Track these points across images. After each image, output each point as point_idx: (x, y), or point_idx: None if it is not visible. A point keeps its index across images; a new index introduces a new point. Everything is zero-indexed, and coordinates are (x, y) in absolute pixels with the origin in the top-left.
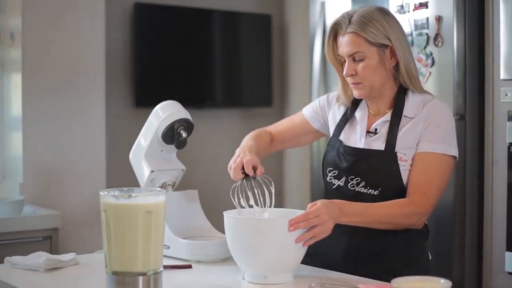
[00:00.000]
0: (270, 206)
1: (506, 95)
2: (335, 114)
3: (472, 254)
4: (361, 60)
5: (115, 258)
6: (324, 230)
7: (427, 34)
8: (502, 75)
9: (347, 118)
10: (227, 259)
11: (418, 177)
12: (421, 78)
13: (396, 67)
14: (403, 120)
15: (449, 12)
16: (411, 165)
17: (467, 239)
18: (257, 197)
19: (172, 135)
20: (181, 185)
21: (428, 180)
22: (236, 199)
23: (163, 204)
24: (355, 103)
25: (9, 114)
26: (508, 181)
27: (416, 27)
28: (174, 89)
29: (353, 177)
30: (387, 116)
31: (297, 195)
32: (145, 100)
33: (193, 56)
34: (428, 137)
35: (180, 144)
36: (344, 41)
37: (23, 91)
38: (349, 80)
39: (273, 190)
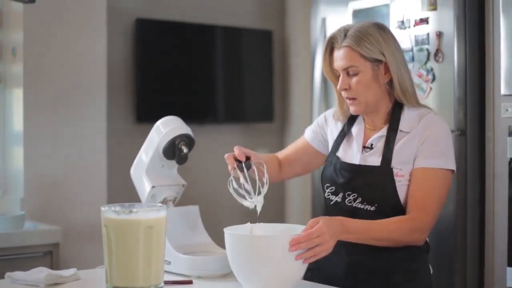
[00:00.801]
0: (262, 187)
1: (507, 110)
2: (333, 130)
3: (474, 269)
4: (355, 74)
5: (116, 274)
6: (325, 249)
7: (427, 49)
8: (503, 90)
9: (344, 133)
10: (228, 275)
11: (417, 193)
12: (421, 94)
13: (390, 82)
14: (399, 134)
15: (450, 28)
16: (409, 180)
17: (469, 254)
18: (249, 182)
19: (173, 150)
20: (182, 201)
21: (427, 195)
22: (232, 189)
23: (164, 219)
24: (352, 119)
25: (11, 129)
26: (509, 196)
27: (417, 42)
28: (175, 105)
29: (350, 193)
30: (383, 131)
31: (298, 210)
32: (146, 115)
33: (195, 72)
34: (425, 152)
35: (181, 159)
36: (339, 55)
37: (25, 106)
38: (343, 94)
39: (266, 175)
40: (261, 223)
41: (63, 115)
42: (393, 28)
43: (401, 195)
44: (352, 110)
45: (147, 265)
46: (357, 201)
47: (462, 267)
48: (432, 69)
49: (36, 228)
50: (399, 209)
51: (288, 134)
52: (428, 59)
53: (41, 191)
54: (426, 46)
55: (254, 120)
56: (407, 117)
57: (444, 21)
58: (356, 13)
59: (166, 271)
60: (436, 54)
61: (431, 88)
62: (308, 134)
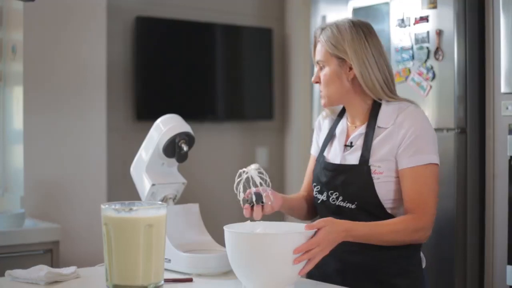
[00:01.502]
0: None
1: (507, 108)
2: (324, 131)
3: (474, 268)
4: (322, 68)
5: (116, 272)
6: (323, 255)
7: (427, 48)
8: (503, 88)
9: (330, 133)
10: (228, 273)
11: (412, 193)
12: (421, 92)
13: (355, 80)
14: (376, 131)
15: (450, 26)
16: (396, 178)
17: (469, 252)
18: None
19: (173, 148)
20: (182, 199)
21: (422, 194)
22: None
23: (164, 217)
24: (338, 117)
25: (11, 127)
26: (509, 194)
27: (417, 41)
28: (175, 103)
29: (332, 191)
30: (363, 129)
31: None
32: (146, 113)
33: (194, 70)
34: (409, 151)
35: (181, 157)
36: (316, 49)
37: (25, 105)
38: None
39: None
40: (261, 221)
41: (63, 113)
42: (393, 26)
43: (380, 192)
44: (321, 102)
45: (147, 263)
46: (339, 199)
47: (462, 265)
48: (432, 67)
49: (36, 226)
50: (379, 207)
51: (288, 132)
52: (428, 57)
53: (41, 189)
54: (426, 44)
55: (254, 118)
56: (385, 112)
57: (444, 19)
58: (356, 11)
59: (166, 269)
60: (436, 52)
61: (431, 87)
62: (313, 149)
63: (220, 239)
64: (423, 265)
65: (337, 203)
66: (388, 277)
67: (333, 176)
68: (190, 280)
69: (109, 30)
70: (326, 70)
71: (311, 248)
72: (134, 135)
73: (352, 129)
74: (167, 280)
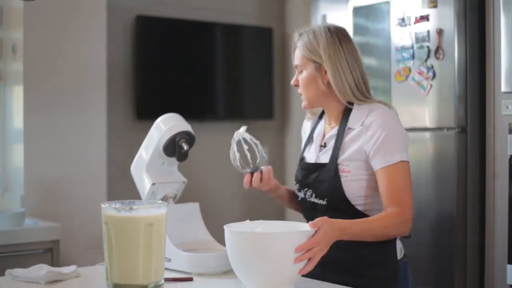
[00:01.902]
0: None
1: (507, 107)
2: (307, 133)
3: (474, 266)
4: (301, 72)
5: (116, 271)
6: (323, 254)
7: (428, 47)
8: (503, 87)
9: (311, 135)
10: (228, 272)
11: (391, 190)
12: (422, 91)
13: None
14: (346, 131)
15: (450, 25)
16: (362, 177)
17: (469, 251)
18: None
19: (173, 147)
20: (182, 198)
21: (399, 190)
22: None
23: (164, 216)
24: (319, 119)
25: (11, 126)
26: (510, 193)
27: (417, 40)
28: (176, 102)
29: (306, 189)
30: (335, 130)
31: None
32: (147, 112)
33: (195, 69)
34: (380, 152)
35: (182, 156)
36: (295, 54)
37: (25, 104)
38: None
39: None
40: (261, 220)
41: (63, 113)
42: (393, 25)
43: (347, 190)
44: (302, 104)
45: (147, 262)
46: (313, 196)
47: (462, 264)
48: (432, 67)
49: (36, 225)
50: (347, 203)
51: (288, 131)
52: (428, 56)
53: (41, 188)
54: (426, 44)
55: (254, 117)
56: (355, 114)
57: (444, 18)
58: (357, 10)
59: (166, 268)
60: (436, 52)
61: (431, 86)
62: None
63: (220, 238)
64: (400, 256)
65: (312, 200)
66: (367, 269)
67: (307, 174)
68: (190, 279)
69: (109, 29)
70: (304, 73)
71: (311, 247)
72: (134, 134)
73: (328, 130)
74: (167, 279)
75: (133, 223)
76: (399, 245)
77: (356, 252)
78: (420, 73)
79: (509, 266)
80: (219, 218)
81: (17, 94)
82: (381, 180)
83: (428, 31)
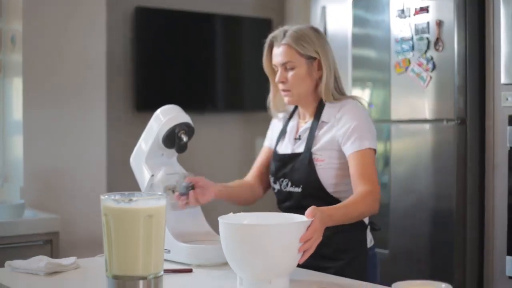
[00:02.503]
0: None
1: (507, 99)
2: (278, 128)
3: (473, 258)
4: (292, 69)
5: (115, 262)
6: (318, 242)
7: (427, 38)
8: (503, 79)
9: (283, 132)
10: (227, 263)
11: (361, 171)
12: (421, 83)
13: (320, 79)
14: (320, 124)
15: (450, 17)
16: (334, 165)
17: (468, 243)
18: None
19: (172, 139)
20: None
21: (368, 171)
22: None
23: (164, 208)
24: (291, 115)
25: (10, 118)
26: (509, 185)
27: (417, 31)
28: (175, 93)
29: (282, 179)
30: (309, 123)
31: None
32: (146, 104)
33: (194, 60)
34: (351, 139)
35: (181, 148)
36: (278, 51)
37: (24, 95)
38: (280, 86)
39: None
40: (255, 213)
41: (62, 105)
42: (393, 16)
43: (322, 177)
44: (286, 100)
45: (146, 254)
46: (289, 185)
47: (462, 256)
48: (432, 58)
49: (36, 217)
50: (321, 190)
51: None
52: (428, 48)
53: (41, 180)
54: (426, 35)
55: (253, 109)
56: (329, 109)
57: (444, 9)
58: (356, 2)
59: (165, 260)
60: (436, 43)
61: (431, 77)
62: (267, 142)
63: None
64: (370, 245)
65: (287, 189)
66: (343, 254)
67: (282, 165)
68: (189, 270)
69: (108, 20)
70: (298, 70)
71: (311, 236)
72: (133, 126)
73: (302, 124)
74: (166, 271)
75: (133, 214)
76: (369, 236)
77: (334, 239)
78: (420, 65)
79: (508, 258)
80: (218, 210)
81: (17, 86)
82: (352, 163)
83: (428, 23)
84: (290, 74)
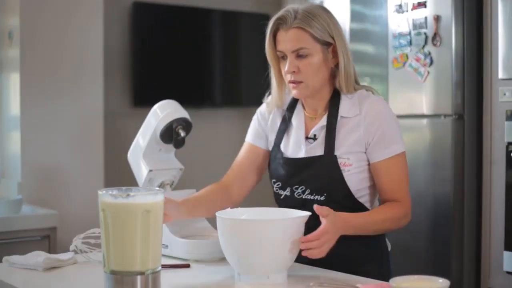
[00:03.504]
0: None
1: (505, 94)
2: (273, 124)
3: (471, 253)
4: (305, 56)
5: (113, 258)
6: (332, 243)
7: (425, 33)
8: (501, 74)
9: (285, 126)
10: (225, 258)
11: (391, 183)
12: (419, 78)
13: (335, 67)
14: (340, 121)
15: (448, 12)
16: (362, 169)
17: (466, 238)
18: None
19: (170, 134)
20: (179, 185)
21: (400, 183)
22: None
23: (162, 203)
24: (290, 108)
25: (8, 113)
26: (507, 180)
27: (415, 26)
28: (173, 88)
29: (297, 186)
30: (324, 120)
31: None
32: (144, 99)
33: (192, 55)
34: (380, 144)
35: (179, 143)
36: (288, 36)
37: (21, 91)
38: (289, 77)
39: None
40: (253, 208)
41: (60, 99)
42: (390, 11)
43: (351, 184)
44: (296, 93)
45: (144, 249)
46: (306, 193)
47: (459, 251)
48: (429, 53)
49: (33, 212)
50: (349, 197)
51: None
52: (426, 43)
53: (38, 175)
54: (424, 30)
55: (251, 104)
56: (346, 101)
57: (442, 4)
58: None
59: (163, 255)
60: (434, 38)
61: (428, 72)
62: (251, 137)
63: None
64: (389, 249)
65: (303, 197)
66: (358, 264)
67: (298, 171)
68: (187, 266)
69: (106, 15)
70: (313, 58)
71: (319, 237)
72: (131, 121)
73: (311, 121)
74: (164, 266)
75: (130, 210)
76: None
77: (346, 247)
78: (418, 60)
79: (505, 253)
80: None
81: (14, 81)
82: (381, 173)
83: (426, 18)
84: (303, 62)
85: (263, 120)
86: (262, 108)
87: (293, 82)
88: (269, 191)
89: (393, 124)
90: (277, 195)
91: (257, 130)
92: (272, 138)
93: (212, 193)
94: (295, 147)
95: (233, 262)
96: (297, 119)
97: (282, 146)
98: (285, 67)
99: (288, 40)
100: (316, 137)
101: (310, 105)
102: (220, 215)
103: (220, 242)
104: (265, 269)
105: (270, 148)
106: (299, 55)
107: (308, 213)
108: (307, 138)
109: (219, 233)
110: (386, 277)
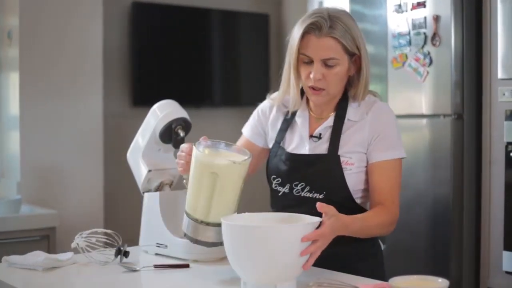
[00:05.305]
0: None
1: (504, 94)
2: (274, 121)
3: (470, 253)
4: (332, 66)
5: (215, 213)
6: (323, 248)
7: (425, 33)
8: (500, 74)
9: (288, 123)
10: (224, 258)
11: (383, 186)
12: (418, 78)
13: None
14: (346, 123)
15: (447, 12)
16: (366, 172)
17: (465, 238)
18: None
19: (169, 134)
20: (178, 185)
21: (392, 187)
22: None
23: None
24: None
25: (7, 113)
26: (506, 180)
27: (414, 26)
28: (172, 88)
29: (297, 183)
30: (330, 121)
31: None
32: (143, 99)
33: (191, 55)
34: (381, 146)
35: (178, 143)
36: (320, 44)
37: (21, 90)
38: (309, 83)
39: None
40: (260, 213)
41: (59, 99)
42: (390, 11)
43: (350, 183)
44: (316, 99)
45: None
46: (305, 190)
47: (458, 251)
48: (429, 53)
49: (32, 212)
50: (348, 197)
51: None
52: (425, 43)
53: (37, 175)
54: (423, 30)
55: (250, 104)
56: (355, 106)
57: (441, 4)
58: None
59: (162, 255)
60: (433, 38)
61: (428, 72)
62: (248, 133)
63: None
64: (383, 247)
65: (302, 194)
66: (350, 262)
67: (299, 167)
68: (186, 266)
69: (105, 15)
70: (340, 68)
71: (316, 239)
72: (130, 120)
73: (316, 121)
74: (163, 266)
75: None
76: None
77: (342, 246)
78: (417, 60)
79: (504, 253)
80: None
81: (13, 81)
82: (376, 174)
83: (425, 18)
84: (331, 71)
85: (263, 117)
86: (264, 104)
87: (314, 88)
88: (263, 194)
89: (396, 130)
90: (275, 192)
91: (256, 127)
92: (273, 135)
93: None
94: (299, 144)
95: (239, 270)
96: (302, 117)
97: (283, 143)
98: (309, 72)
99: (320, 48)
100: (321, 136)
101: (318, 106)
102: (226, 221)
103: (226, 249)
104: (273, 278)
105: (270, 145)
106: (327, 64)
107: (319, 219)
108: (311, 136)
109: (225, 240)
110: (379, 276)
